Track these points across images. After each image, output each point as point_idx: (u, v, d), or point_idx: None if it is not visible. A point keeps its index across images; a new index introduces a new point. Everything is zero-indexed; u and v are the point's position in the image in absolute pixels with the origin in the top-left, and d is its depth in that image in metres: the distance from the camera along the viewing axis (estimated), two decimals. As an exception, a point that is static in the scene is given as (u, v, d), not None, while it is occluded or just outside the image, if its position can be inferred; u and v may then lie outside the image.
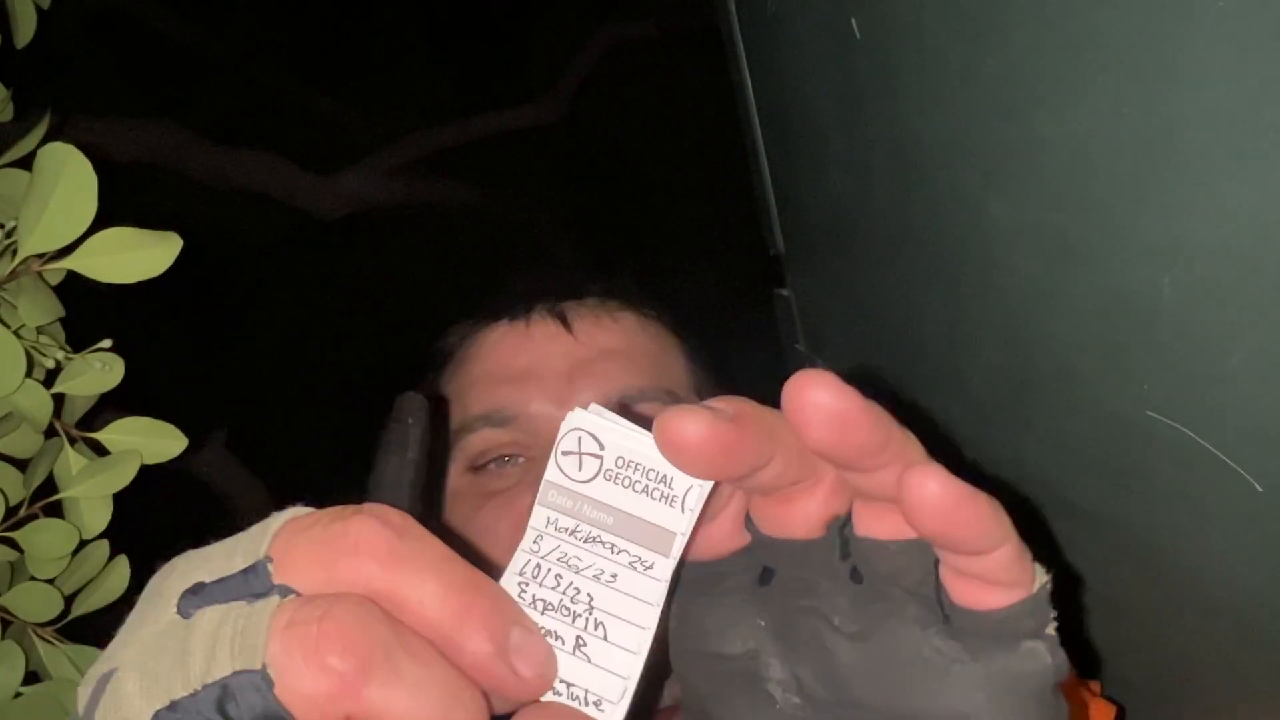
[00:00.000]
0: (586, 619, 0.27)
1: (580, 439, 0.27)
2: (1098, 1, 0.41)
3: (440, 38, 2.71)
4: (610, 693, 0.26)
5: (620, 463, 0.27)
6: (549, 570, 0.27)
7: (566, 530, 0.27)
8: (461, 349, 0.66)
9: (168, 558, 0.29)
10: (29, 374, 0.55)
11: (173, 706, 0.23)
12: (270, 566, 0.24)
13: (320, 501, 0.28)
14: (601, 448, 0.27)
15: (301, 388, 2.23)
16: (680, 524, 0.27)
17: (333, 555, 0.24)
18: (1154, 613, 0.53)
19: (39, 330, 0.57)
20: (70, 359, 0.58)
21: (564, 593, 0.27)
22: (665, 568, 0.27)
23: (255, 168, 2.39)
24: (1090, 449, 0.52)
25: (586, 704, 0.26)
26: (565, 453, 0.27)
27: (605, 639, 0.26)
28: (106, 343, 0.59)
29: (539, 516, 0.27)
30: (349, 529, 0.24)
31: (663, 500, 0.27)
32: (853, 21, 0.61)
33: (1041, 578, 0.27)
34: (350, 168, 2.55)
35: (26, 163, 0.56)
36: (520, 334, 0.63)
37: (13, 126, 0.63)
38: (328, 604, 0.23)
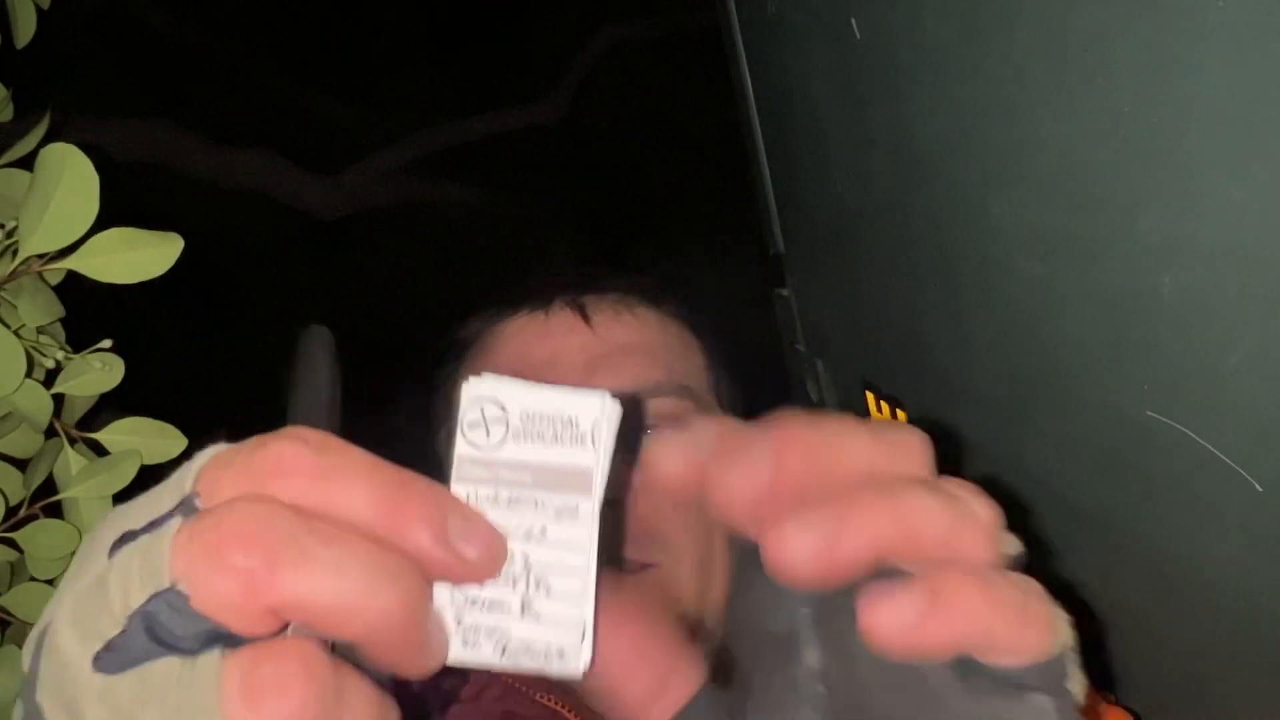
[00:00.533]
0: (526, 580, 0.27)
1: (483, 407, 0.27)
2: (1098, 2, 0.41)
3: (440, 38, 2.71)
4: (570, 640, 0.27)
5: (525, 418, 0.27)
6: None
7: (488, 499, 0.27)
8: (481, 338, 0.67)
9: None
10: (29, 374, 0.55)
11: (109, 647, 0.23)
12: (198, 501, 0.24)
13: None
14: (504, 409, 0.27)
15: (301, 388, 2.22)
16: (593, 458, 0.27)
17: (259, 480, 0.24)
18: (1154, 613, 0.53)
19: (39, 330, 0.57)
20: (70, 359, 0.58)
21: None
22: (589, 508, 0.27)
23: (255, 168, 2.39)
24: (1090, 449, 0.52)
25: (550, 658, 0.27)
26: (471, 424, 0.27)
27: (549, 594, 0.27)
28: (106, 343, 0.59)
29: (458, 494, 0.27)
30: (270, 452, 0.24)
31: (573, 442, 0.27)
32: (853, 21, 0.61)
33: (1062, 639, 0.26)
34: (350, 168, 2.55)
35: (27, 163, 0.56)
36: (539, 324, 0.64)
37: (13, 126, 0.63)
38: (223, 509, 0.23)
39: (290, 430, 0.25)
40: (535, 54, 2.75)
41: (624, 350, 0.63)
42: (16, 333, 0.54)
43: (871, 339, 0.75)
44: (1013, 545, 0.27)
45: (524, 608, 0.27)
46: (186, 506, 0.24)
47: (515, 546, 0.27)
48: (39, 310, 0.55)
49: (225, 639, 0.23)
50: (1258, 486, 0.41)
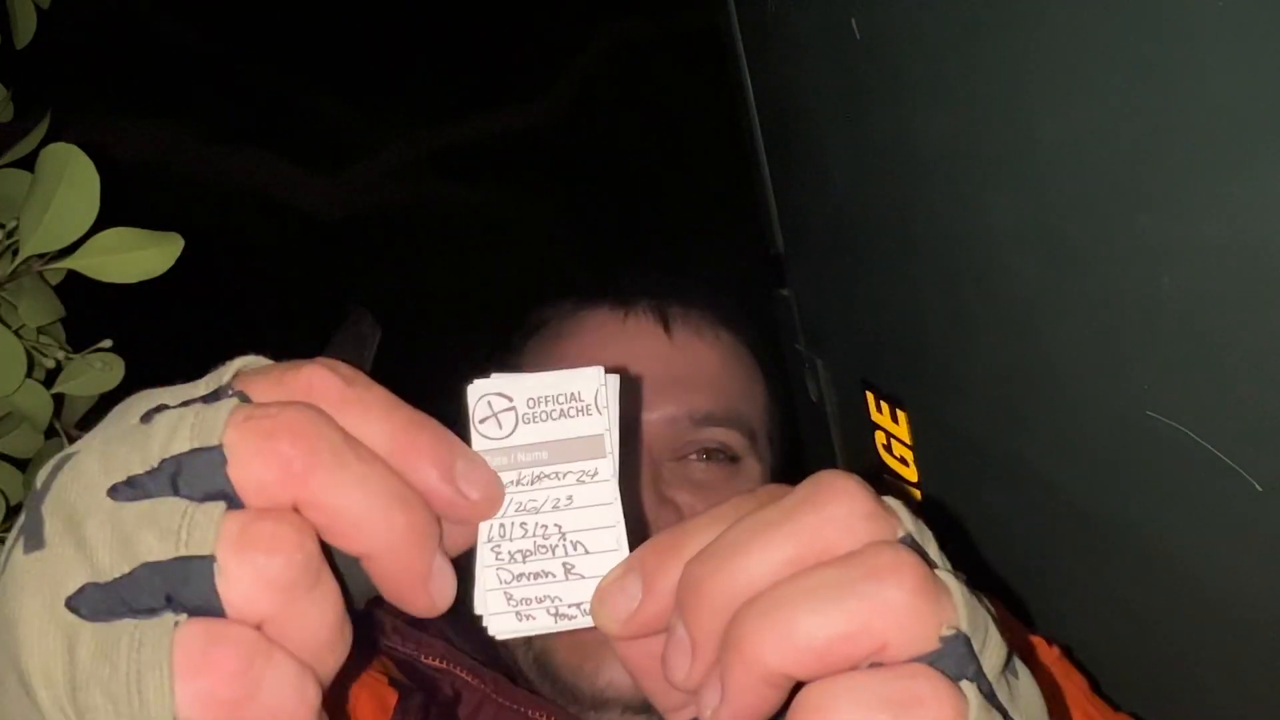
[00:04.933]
0: (563, 545, 0.29)
1: (490, 402, 0.30)
2: (1098, 2, 0.41)
3: (440, 37, 2.71)
4: None
5: (531, 403, 0.29)
6: (512, 524, 0.29)
7: (512, 483, 0.29)
8: (557, 322, 0.66)
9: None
10: (29, 374, 0.55)
11: (130, 482, 0.25)
12: (232, 393, 0.27)
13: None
14: (510, 400, 0.29)
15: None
16: (601, 424, 0.29)
17: (288, 394, 0.26)
18: (1152, 613, 0.53)
19: (39, 330, 0.57)
20: (70, 359, 0.58)
21: (534, 535, 0.29)
22: (608, 467, 0.29)
23: (255, 168, 2.39)
24: (1090, 449, 0.52)
25: None
26: (481, 420, 0.29)
27: (588, 553, 0.29)
28: (107, 343, 0.59)
29: None
30: (304, 373, 0.27)
31: (579, 414, 0.29)
32: (853, 22, 0.61)
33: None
34: (350, 168, 2.55)
35: (27, 163, 0.56)
36: (617, 323, 0.63)
37: (13, 126, 0.63)
38: (284, 404, 0.26)
39: (324, 359, 0.27)
40: (535, 54, 2.75)
41: (698, 372, 0.62)
42: (17, 333, 0.54)
43: (871, 339, 0.75)
44: (949, 626, 0.26)
45: (567, 571, 0.29)
46: (221, 394, 0.27)
47: (547, 519, 0.29)
48: (39, 310, 0.55)
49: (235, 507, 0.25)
50: (1258, 486, 0.41)
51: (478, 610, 0.29)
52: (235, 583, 0.24)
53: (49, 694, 0.24)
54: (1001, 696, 0.26)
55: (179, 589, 0.24)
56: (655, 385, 0.60)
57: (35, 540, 0.25)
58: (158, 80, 2.44)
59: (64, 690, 0.23)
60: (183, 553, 0.24)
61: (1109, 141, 0.43)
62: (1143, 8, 0.39)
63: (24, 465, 0.61)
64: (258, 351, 0.30)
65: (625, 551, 0.29)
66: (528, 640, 0.58)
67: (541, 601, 0.29)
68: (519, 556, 0.29)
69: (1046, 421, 0.55)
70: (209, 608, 0.24)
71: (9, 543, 0.26)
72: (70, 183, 0.49)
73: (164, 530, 0.24)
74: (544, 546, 0.29)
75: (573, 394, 0.29)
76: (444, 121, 2.65)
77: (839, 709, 0.24)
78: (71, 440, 0.60)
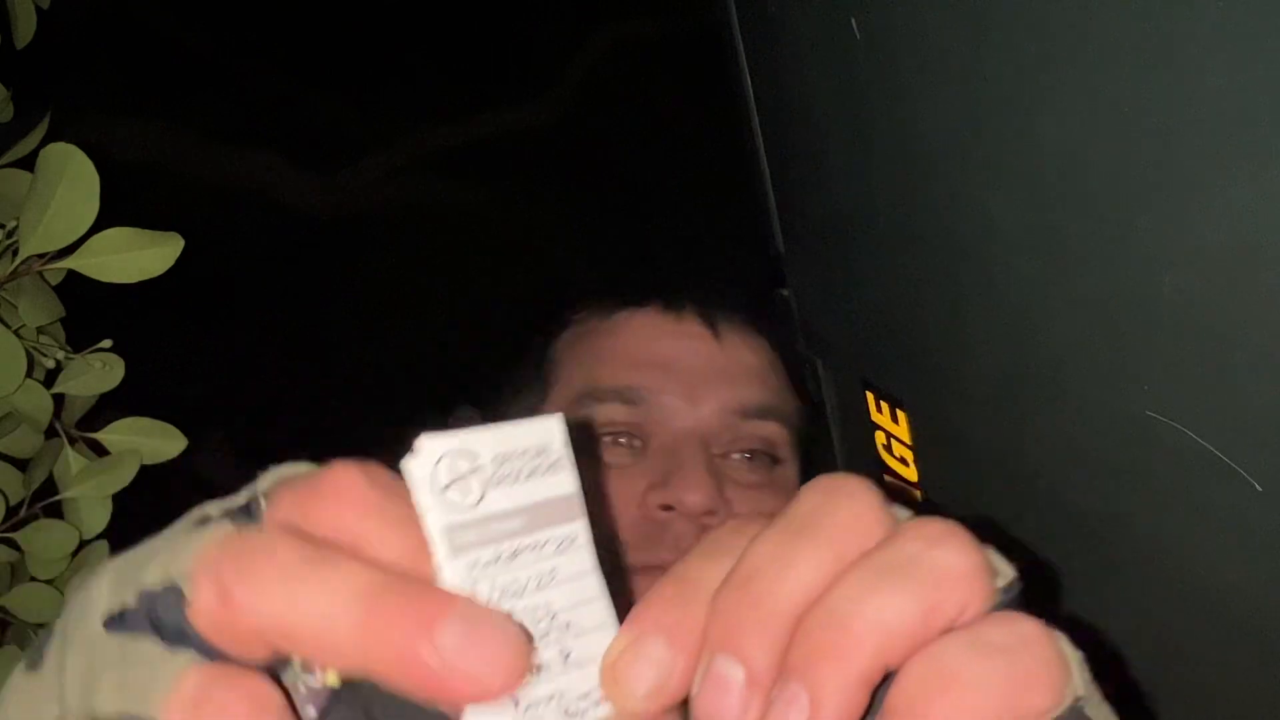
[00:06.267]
0: (555, 630, 0.24)
1: (451, 463, 0.24)
2: (1098, 1, 0.41)
3: (440, 37, 2.71)
4: None
5: (498, 460, 0.24)
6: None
7: (490, 563, 0.24)
8: (595, 320, 0.68)
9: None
10: (29, 374, 0.55)
11: (121, 615, 0.23)
12: (262, 503, 0.25)
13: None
14: (476, 459, 0.24)
15: (301, 388, 2.23)
16: (572, 480, 0.25)
17: (312, 498, 0.24)
18: (1151, 612, 0.53)
19: (39, 330, 0.57)
20: (70, 359, 0.58)
21: (524, 622, 0.24)
22: (582, 529, 0.25)
23: (255, 168, 2.39)
24: (1090, 449, 0.52)
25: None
26: (446, 486, 0.23)
27: (581, 633, 0.25)
28: (107, 343, 0.59)
29: (459, 571, 0.23)
30: (332, 472, 0.24)
31: (549, 470, 0.25)
32: (853, 21, 0.61)
33: (1065, 695, 0.24)
34: (350, 168, 2.55)
35: (27, 163, 0.56)
36: (670, 323, 0.66)
37: (13, 126, 0.63)
38: (252, 536, 0.23)
39: (361, 463, 0.25)
40: (535, 54, 2.75)
41: (743, 369, 0.67)
42: (17, 333, 0.54)
43: (871, 339, 0.75)
44: (1004, 576, 0.25)
45: (565, 658, 0.24)
46: (247, 511, 0.25)
47: (534, 601, 0.24)
48: (39, 310, 0.55)
49: (208, 651, 0.22)
50: (1258, 486, 0.41)
51: None
52: None
53: None
54: None
55: None
56: (705, 379, 0.62)
57: (36, 658, 0.24)
58: (158, 80, 2.44)
59: None
60: (129, 710, 0.22)
61: (1109, 141, 0.43)
62: (1143, 7, 0.39)
63: (24, 465, 0.61)
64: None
65: (614, 624, 0.25)
66: None
67: (550, 700, 0.24)
68: None
69: (1047, 421, 0.55)
70: None
71: (26, 653, 0.25)
72: (70, 183, 0.49)
73: (123, 681, 0.22)
74: (539, 633, 0.24)
75: (540, 447, 0.25)
76: (444, 121, 2.66)
77: (968, 669, 0.22)
78: (72, 441, 0.60)
